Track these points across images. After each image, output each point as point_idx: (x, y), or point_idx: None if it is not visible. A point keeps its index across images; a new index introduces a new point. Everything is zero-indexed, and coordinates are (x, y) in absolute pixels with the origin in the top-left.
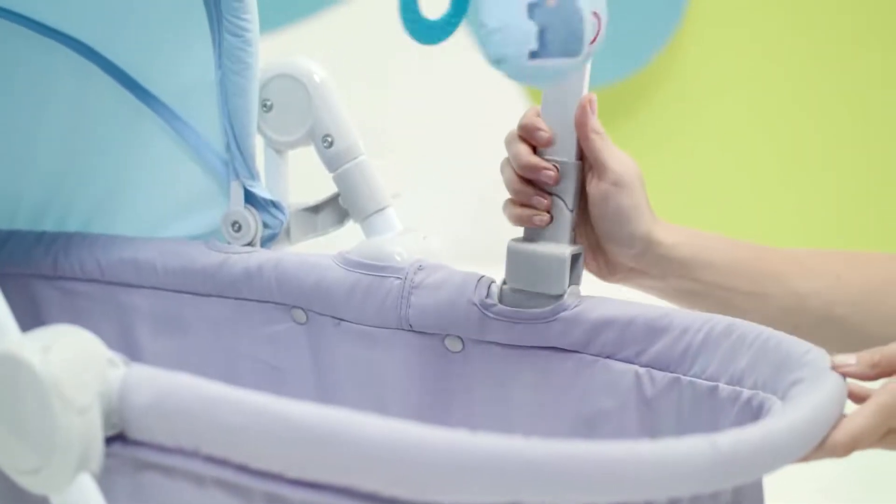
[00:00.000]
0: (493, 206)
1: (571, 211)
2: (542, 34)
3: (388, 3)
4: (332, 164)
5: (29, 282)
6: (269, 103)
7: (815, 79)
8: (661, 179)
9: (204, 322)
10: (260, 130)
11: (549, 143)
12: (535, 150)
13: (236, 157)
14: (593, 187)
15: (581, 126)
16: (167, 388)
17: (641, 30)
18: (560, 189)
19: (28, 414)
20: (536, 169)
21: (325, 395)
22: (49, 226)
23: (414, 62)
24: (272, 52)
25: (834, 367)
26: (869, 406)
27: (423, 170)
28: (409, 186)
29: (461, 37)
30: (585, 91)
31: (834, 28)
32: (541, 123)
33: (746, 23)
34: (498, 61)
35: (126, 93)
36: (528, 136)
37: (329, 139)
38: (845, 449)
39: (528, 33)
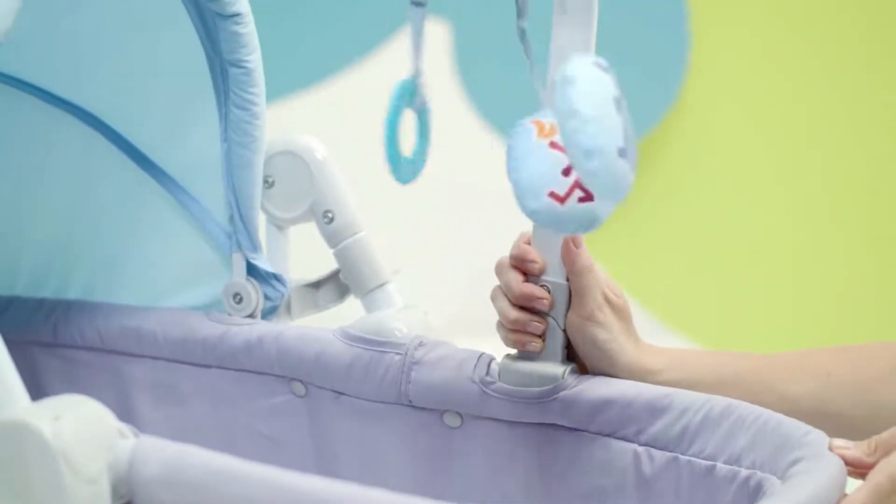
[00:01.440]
0: (490, 279)
1: (564, 330)
2: (625, 133)
3: (388, 74)
4: (332, 240)
5: (28, 349)
6: (271, 180)
7: (815, 144)
8: (662, 245)
9: (203, 393)
10: (262, 207)
11: (542, 272)
12: (526, 276)
13: (239, 229)
14: (569, 317)
15: (568, 264)
16: (176, 459)
17: (638, 103)
18: (552, 310)
19: (37, 482)
20: (531, 298)
21: (323, 468)
22: (49, 293)
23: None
24: (273, 121)
25: (832, 450)
26: (866, 486)
27: (421, 245)
28: (408, 262)
29: (453, 118)
30: None
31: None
32: (532, 254)
33: (742, 96)
34: (588, 154)
35: (130, 162)
36: (520, 265)
37: (330, 215)
38: None
39: (617, 127)
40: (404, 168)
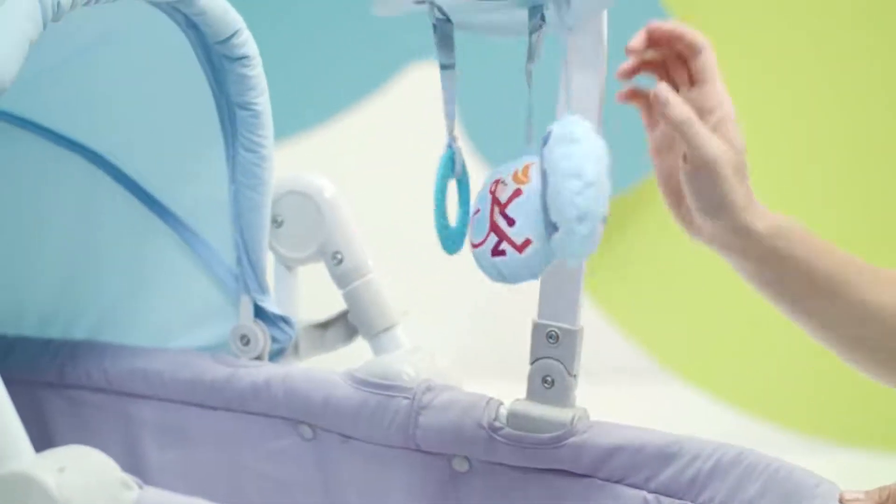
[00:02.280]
0: (493, 321)
1: (573, 376)
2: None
3: (394, 112)
4: (341, 281)
5: (35, 390)
6: (279, 220)
7: (812, 182)
8: (657, 283)
9: (210, 435)
10: (270, 246)
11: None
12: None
13: (247, 271)
14: (682, 165)
15: (669, 120)
16: None
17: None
18: (561, 354)
19: None
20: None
21: None
22: (56, 333)
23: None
24: (282, 160)
25: (842, 502)
26: None
27: (428, 285)
28: (415, 302)
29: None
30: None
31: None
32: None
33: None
34: (581, 218)
35: (137, 203)
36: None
37: (339, 256)
38: None
39: (607, 196)
40: (453, 239)
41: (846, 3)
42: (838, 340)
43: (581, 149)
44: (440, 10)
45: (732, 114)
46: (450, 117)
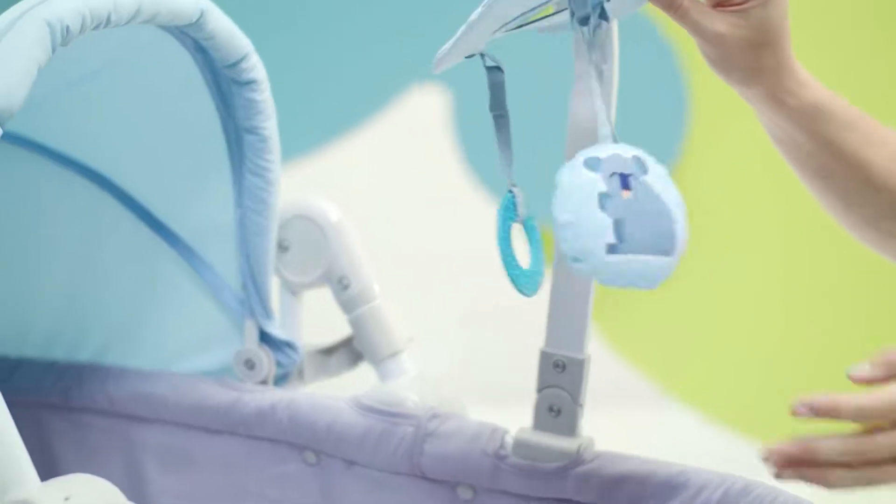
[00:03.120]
0: (499, 347)
1: (580, 405)
2: (618, 226)
3: (399, 134)
4: (347, 306)
5: (38, 412)
6: (285, 244)
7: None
8: (662, 310)
9: (213, 459)
10: (276, 271)
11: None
12: None
13: (252, 295)
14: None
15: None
16: None
17: None
18: (568, 383)
19: None
20: None
21: None
22: (60, 354)
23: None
24: (286, 182)
25: (851, 378)
26: None
27: (432, 311)
28: (422, 329)
29: (454, 185)
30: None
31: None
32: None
33: (742, 159)
34: (575, 259)
35: (142, 226)
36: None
37: (345, 282)
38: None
39: (601, 226)
40: (527, 281)
41: (846, 5)
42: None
43: (558, 192)
44: (492, 58)
45: None
46: (506, 164)
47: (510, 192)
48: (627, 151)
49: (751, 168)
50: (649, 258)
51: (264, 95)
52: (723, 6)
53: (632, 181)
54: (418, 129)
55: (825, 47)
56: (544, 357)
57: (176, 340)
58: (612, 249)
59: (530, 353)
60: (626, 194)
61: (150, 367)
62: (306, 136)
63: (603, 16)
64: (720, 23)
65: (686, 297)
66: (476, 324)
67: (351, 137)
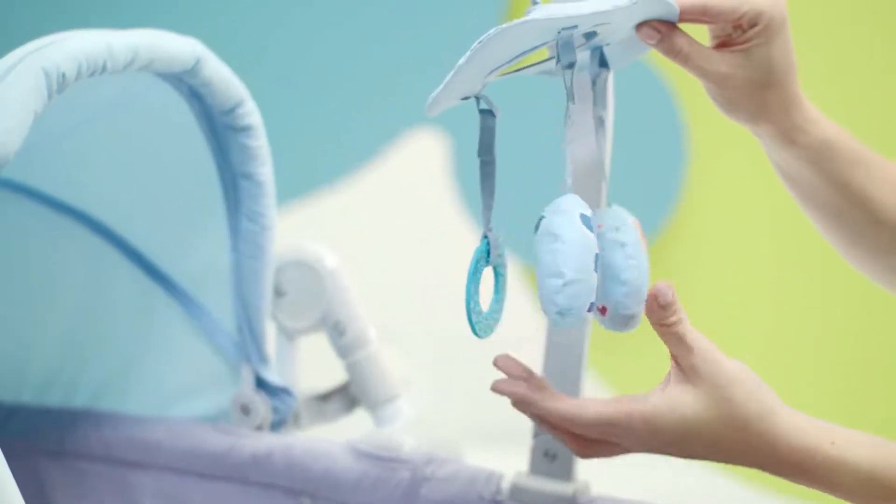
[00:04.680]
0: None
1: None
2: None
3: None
4: (343, 352)
5: (34, 458)
6: (281, 289)
7: (821, 251)
8: (657, 364)
9: None
10: (272, 316)
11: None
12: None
13: (248, 340)
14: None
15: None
16: None
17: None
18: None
19: None
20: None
21: None
22: (56, 400)
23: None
24: (282, 226)
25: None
26: None
27: (428, 354)
28: (417, 374)
29: (452, 227)
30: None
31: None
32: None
33: (741, 209)
34: (562, 313)
35: (139, 271)
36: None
37: (341, 327)
38: None
39: (593, 286)
40: (483, 324)
41: (846, 6)
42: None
43: (563, 247)
44: (488, 101)
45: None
46: (486, 209)
47: (485, 237)
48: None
49: (750, 218)
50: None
51: (260, 141)
52: (726, 46)
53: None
54: (417, 173)
55: (825, 47)
56: None
57: (172, 385)
58: (590, 308)
59: None
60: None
61: (145, 412)
62: (304, 181)
63: (603, 63)
64: (723, 64)
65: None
66: (473, 366)
67: (349, 181)
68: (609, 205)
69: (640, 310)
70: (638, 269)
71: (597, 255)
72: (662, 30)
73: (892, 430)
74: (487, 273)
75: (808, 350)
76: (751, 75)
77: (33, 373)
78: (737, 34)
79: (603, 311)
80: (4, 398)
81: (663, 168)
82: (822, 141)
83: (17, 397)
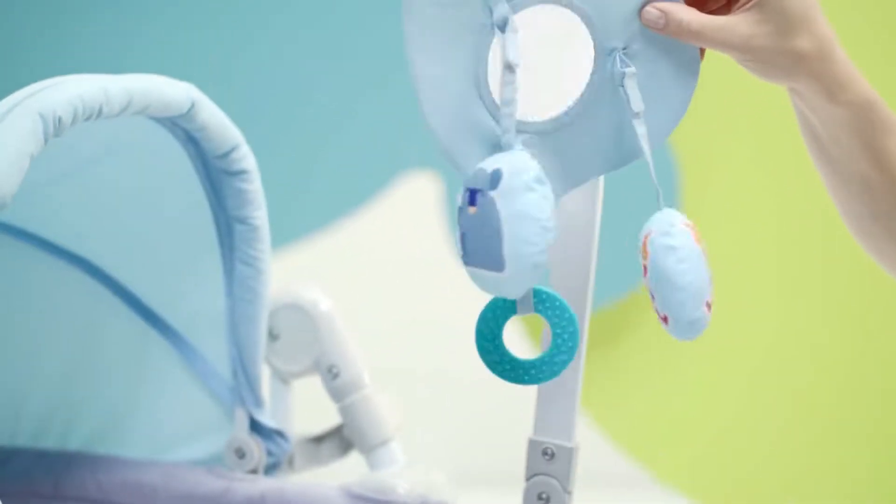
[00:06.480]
0: (488, 435)
1: (569, 493)
2: (463, 240)
3: (388, 221)
4: (337, 395)
5: (29, 501)
6: (275, 333)
7: (811, 296)
8: (650, 404)
9: None
10: (266, 359)
11: None
12: None
13: (242, 384)
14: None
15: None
16: None
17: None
18: (556, 471)
19: None
20: None
21: None
22: (51, 443)
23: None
24: (277, 269)
25: None
26: None
27: (424, 397)
28: (411, 417)
29: (445, 267)
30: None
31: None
32: None
33: (735, 255)
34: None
35: (134, 315)
36: None
37: (335, 370)
38: None
39: (457, 237)
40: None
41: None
42: None
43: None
44: None
45: None
46: None
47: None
48: (494, 164)
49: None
50: (485, 272)
51: (254, 185)
52: (732, 6)
53: (478, 197)
54: (410, 215)
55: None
56: (533, 445)
57: (166, 429)
58: (463, 260)
59: (522, 438)
60: (472, 210)
61: (140, 456)
62: (298, 224)
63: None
64: (741, 26)
65: (677, 383)
66: (468, 408)
67: (343, 224)
68: (660, 208)
69: (702, 314)
70: (693, 272)
71: (460, 207)
72: (665, 8)
73: (893, 429)
74: None
75: (802, 411)
76: (772, 26)
77: (29, 416)
78: None
79: (665, 319)
80: (0, 442)
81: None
82: (864, 99)
83: (12, 441)
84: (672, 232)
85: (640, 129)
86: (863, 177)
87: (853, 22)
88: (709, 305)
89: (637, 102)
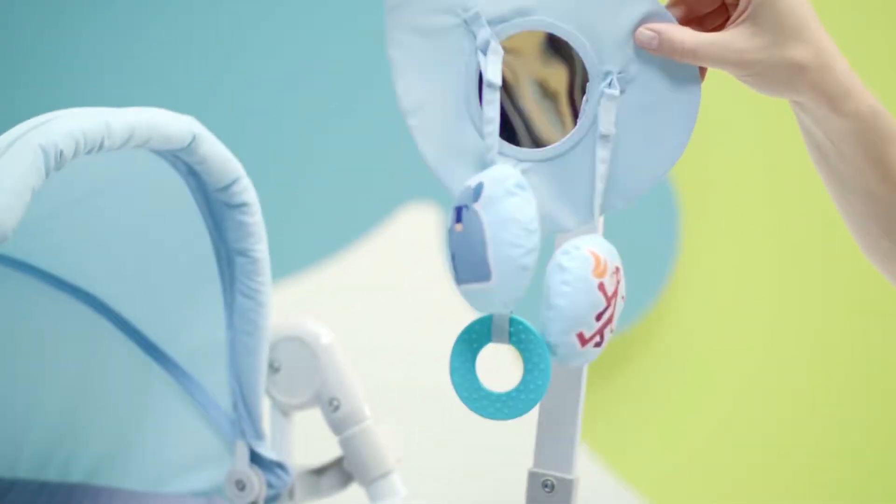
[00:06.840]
0: (488, 468)
1: None
2: (453, 259)
3: (388, 253)
4: (337, 427)
5: None
6: (276, 365)
7: (811, 326)
8: (656, 428)
9: None
10: (267, 392)
11: None
12: None
13: (243, 416)
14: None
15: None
16: None
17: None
18: (555, 502)
19: None
20: None
21: None
22: (52, 475)
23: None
24: (277, 301)
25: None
26: None
27: (423, 429)
28: (411, 448)
29: (442, 296)
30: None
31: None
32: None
33: (733, 284)
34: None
35: (135, 347)
36: None
37: (335, 403)
38: None
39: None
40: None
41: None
42: None
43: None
44: None
45: None
46: None
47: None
48: (477, 179)
49: (739, 297)
50: (474, 286)
51: (255, 218)
52: (725, 22)
53: (463, 212)
54: (410, 247)
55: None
56: (533, 477)
57: (167, 461)
58: (456, 281)
59: (522, 471)
60: (458, 227)
61: (141, 488)
62: (299, 256)
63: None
64: (735, 41)
65: (680, 415)
66: (468, 440)
67: (343, 256)
68: (591, 231)
69: (568, 341)
70: (570, 297)
71: (449, 229)
72: (658, 29)
73: (893, 430)
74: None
75: (799, 441)
76: (767, 40)
77: (30, 448)
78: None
79: None
80: (1, 473)
81: (655, 245)
82: (868, 109)
83: (13, 473)
84: (572, 254)
85: (602, 151)
86: (870, 192)
87: (854, 26)
88: (584, 340)
89: (607, 125)
